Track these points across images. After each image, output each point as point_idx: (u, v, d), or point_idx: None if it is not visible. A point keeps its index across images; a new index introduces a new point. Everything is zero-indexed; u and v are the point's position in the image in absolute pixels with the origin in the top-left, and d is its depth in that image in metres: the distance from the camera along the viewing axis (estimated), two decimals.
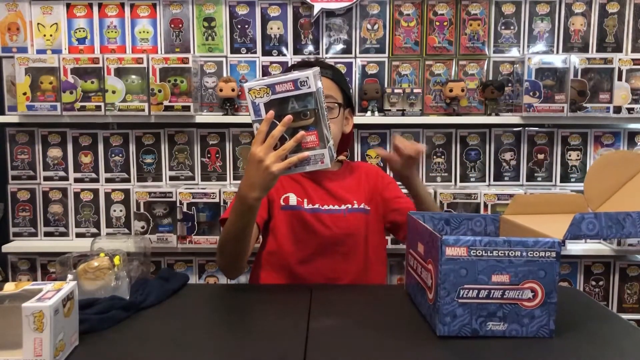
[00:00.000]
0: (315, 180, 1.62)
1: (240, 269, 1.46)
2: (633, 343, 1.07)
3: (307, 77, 1.20)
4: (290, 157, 1.23)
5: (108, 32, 2.39)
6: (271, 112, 1.21)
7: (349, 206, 1.59)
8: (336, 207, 1.58)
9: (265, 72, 2.39)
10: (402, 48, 2.38)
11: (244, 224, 1.35)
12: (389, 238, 2.19)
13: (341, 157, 1.75)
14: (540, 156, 2.43)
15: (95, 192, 2.42)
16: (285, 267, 1.55)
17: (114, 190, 2.42)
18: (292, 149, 1.23)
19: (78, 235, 2.43)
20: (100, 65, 2.25)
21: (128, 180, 2.43)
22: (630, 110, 2.27)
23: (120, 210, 2.42)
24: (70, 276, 1.24)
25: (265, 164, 1.22)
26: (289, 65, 2.37)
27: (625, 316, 2.24)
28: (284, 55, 2.38)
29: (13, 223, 2.43)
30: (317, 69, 1.24)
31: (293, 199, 1.58)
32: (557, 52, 2.37)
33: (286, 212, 1.58)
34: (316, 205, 1.58)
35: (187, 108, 2.25)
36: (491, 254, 1.03)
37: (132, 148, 2.42)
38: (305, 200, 1.59)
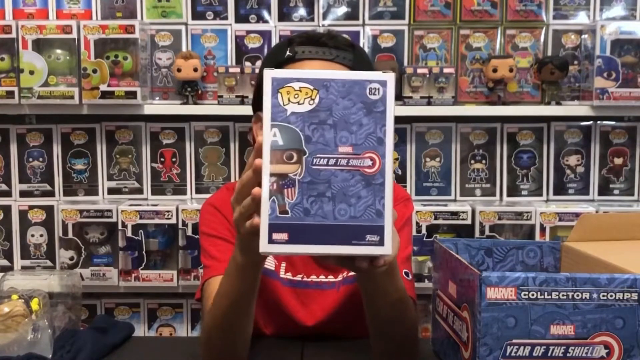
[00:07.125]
0: None
1: None
2: None
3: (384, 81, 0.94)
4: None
5: None
6: (259, 161, 0.93)
7: (346, 274, 1.47)
8: (329, 278, 1.48)
9: (240, 45, 2.40)
10: (428, 12, 2.39)
11: (247, 285, 1.20)
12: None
13: None
14: (618, 160, 2.44)
15: (6, 209, 2.42)
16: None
17: (31, 207, 2.41)
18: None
19: None
20: (13, 35, 2.25)
21: (51, 194, 2.42)
22: None
23: (41, 235, 2.42)
24: None
25: (235, 217, 1.04)
26: (277, 37, 2.38)
27: None
28: (266, 22, 2.39)
29: None
30: (391, 74, 0.96)
31: (269, 260, 1.47)
32: None
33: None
34: (298, 277, 1.49)
35: (132, 94, 2.25)
36: (549, 297, 1.03)
37: (56, 149, 2.42)
38: (284, 265, 1.49)
